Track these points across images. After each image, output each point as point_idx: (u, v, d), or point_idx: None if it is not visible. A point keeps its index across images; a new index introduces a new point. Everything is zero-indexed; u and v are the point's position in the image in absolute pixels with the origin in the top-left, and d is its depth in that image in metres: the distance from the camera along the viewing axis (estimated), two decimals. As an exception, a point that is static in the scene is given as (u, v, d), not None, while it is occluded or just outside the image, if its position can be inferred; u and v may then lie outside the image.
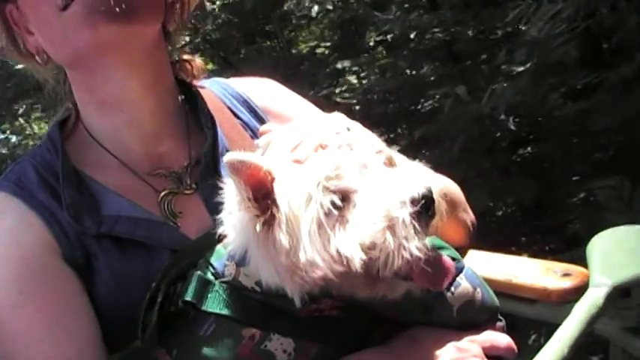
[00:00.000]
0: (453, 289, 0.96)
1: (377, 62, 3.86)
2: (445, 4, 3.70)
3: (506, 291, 1.28)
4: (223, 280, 0.93)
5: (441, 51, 3.54)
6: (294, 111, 1.34)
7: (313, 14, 4.52)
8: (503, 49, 3.07)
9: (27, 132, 7.84)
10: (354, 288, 0.87)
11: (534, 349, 1.13)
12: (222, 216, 0.93)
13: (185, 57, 1.34)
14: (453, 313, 0.97)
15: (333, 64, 4.36)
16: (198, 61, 1.36)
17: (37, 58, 1.20)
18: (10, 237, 1.09)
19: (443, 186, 0.91)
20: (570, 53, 2.69)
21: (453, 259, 0.95)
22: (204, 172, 1.16)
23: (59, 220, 1.10)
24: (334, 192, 0.84)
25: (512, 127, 3.22)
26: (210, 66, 6.46)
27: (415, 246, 0.82)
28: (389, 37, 4.05)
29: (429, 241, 0.89)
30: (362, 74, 4.13)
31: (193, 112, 1.26)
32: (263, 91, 1.37)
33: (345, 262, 0.82)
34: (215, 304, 0.93)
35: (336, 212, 0.83)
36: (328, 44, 5.62)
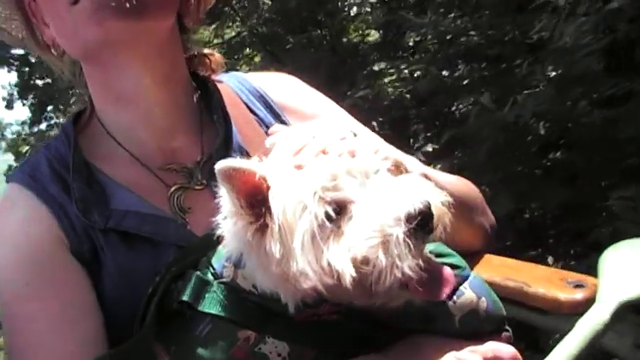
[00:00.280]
0: (455, 298, 0.94)
1: (412, 65, 3.93)
2: (483, 6, 3.72)
3: (516, 299, 1.26)
4: (221, 280, 0.93)
5: (474, 55, 3.59)
6: (311, 108, 1.32)
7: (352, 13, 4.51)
8: (529, 57, 3.11)
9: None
10: (349, 298, 0.86)
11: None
12: (218, 219, 0.91)
13: (205, 51, 1.32)
14: (455, 322, 0.94)
15: (370, 66, 4.40)
16: (217, 55, 1.34)
17: (52, 50, 1.20)
18: (20, 229, 1.09)
19: (448, 196, 0.87)
20: (595, 65, 2.71)
21: (456, 267, 0.94)
22: None
23: (68, 214, 1.10)
24: (330, 203, 0.82)
25: (542, 132, 3.24)
26: (257, 59, 6.59)
27: (408, 265, 0.80)
28: (428, 38, 4.09)
29: (432, 247, 0.89)
30: (401, 75, 4.18)
31: (208, 108, 1.24)
32: (280, 86, 1.35)
33: (335, 276, 0.81)
34: (212, 304, 0.92)
35: (330, 225, 0.82)
36: (372, 39, 5.63)
